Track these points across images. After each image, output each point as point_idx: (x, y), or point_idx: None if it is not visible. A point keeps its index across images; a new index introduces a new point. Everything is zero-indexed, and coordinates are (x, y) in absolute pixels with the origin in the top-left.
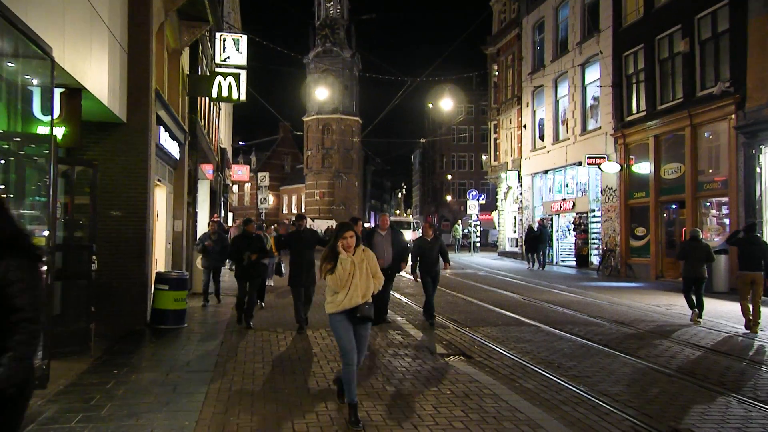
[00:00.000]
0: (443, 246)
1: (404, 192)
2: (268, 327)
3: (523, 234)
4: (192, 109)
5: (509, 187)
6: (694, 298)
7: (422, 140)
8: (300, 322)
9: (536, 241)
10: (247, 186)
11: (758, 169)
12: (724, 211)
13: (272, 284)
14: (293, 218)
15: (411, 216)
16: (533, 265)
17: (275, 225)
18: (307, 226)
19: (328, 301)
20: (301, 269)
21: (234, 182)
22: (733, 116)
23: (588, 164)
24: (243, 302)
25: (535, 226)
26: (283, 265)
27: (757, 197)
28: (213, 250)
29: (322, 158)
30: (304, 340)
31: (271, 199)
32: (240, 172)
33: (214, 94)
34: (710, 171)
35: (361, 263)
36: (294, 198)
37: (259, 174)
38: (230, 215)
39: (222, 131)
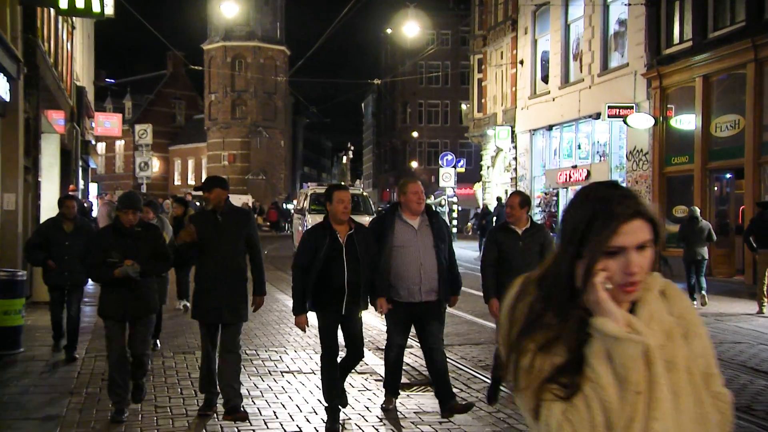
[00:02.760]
0: (549, 241)
1: (351, 155)
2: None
3: (476, 217)
4: (29, 27)
5: (499, 150)
6: (694, 283)
7: (377, 81)
8: (209, 401)
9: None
10: (120, 144)
11: None
12: None
13: (186, 305)
14: (184, 196)
15: (362, 189)
16: None
17: (170, 200)
18: (229, 203)
19: None
20: (215, 286)
21: (99, 138)
22: None
23: (609, 117)
24: (117, 377)
25: (493, 206)
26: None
27: None
28: (67, 254)
29: (232, 106)
30: None
31: (156, 165)
32: (108, 123)
33: (64, 4)
34: None
35: (674, 353)
36: (191, 163)
37: (138, 127)
38: (93, 187)
39: (79, 63)
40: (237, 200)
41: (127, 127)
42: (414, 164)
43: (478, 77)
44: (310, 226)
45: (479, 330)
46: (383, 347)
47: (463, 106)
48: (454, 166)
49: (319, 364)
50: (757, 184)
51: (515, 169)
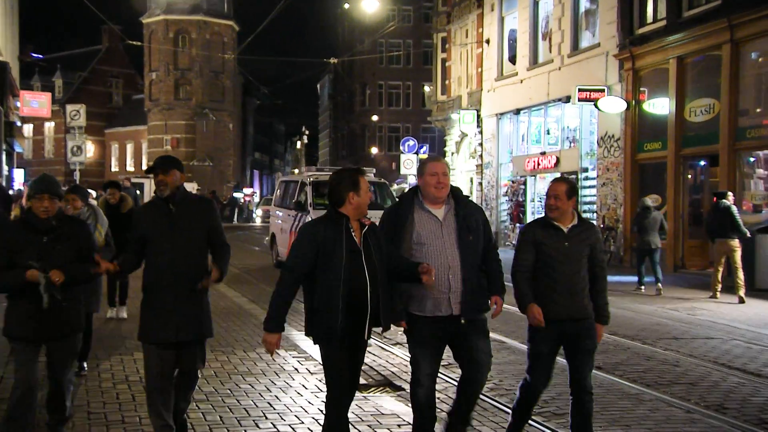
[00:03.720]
0: (599, 243)
1: (306, 140)
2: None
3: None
4: None
5: (464, 135)
6: (644, 270)
7: (333, 61)
8: None
9: None
10: (49, 126)
11: None
12: None
13: (123, 316)
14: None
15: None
16: None
17: (109, 192)
18: (184, 189)
19: None
20: (169, 294)
21: (26, 120)
22: None
23: (580, 100)
24: (19, 420)
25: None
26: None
27: None
28: None
29: (175, 85)
30: None
31: (90, 149)
32: (35, 103)
33: None
34: (757, 111)
35: None
36: (129, 147)
37: (69, 107)
38: (19, 173)
39: (1, 35)
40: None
41: (58, 107)
42: (374, 150)
43: (441, 57)
44: (310, 220)
45: (506, 349)
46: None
47: (426, 88)
48: (417, 153)
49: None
50: (732, 171)
51: (481, 156)
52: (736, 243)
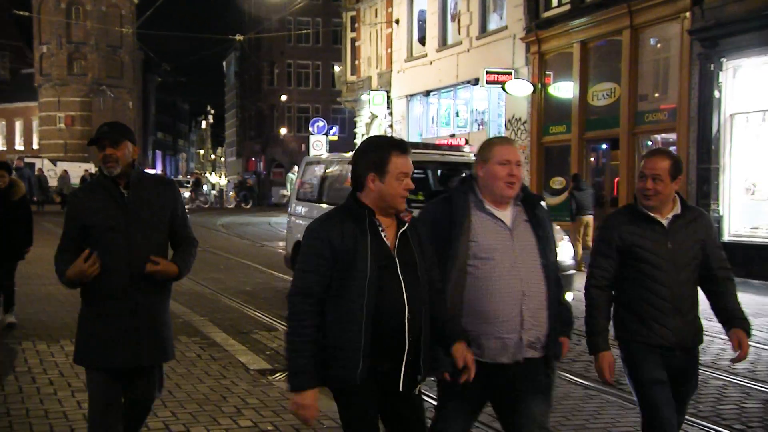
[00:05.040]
0: (713, 237)
1: (212, 120)
2: None
3: None
4: None
5: (374, 116)
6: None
7: (239, 38)
8: None
9: None
10: None
11: (716, 93)
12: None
13: (12, 323)
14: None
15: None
16: None
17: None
18: (140, 171)
19: None
20: (120, 305)
21: None
22: (687, 14)
23: (488, 83)
24: None
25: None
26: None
27: (713, 134)
28: None
29: (68, 60)
30: None
31: None
32: None
33: None
34: (656, 96)
35: None
36: (18, 125)
37: None
38: None
39: None
40: (78, 169)
41: None
42: (283, 131)
43: (351, 37)
44: (323, 216)
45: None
46: None
47: (336, 68)
48: (326, 134)
49: None
50: (632, 155)
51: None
52: (591, 219)
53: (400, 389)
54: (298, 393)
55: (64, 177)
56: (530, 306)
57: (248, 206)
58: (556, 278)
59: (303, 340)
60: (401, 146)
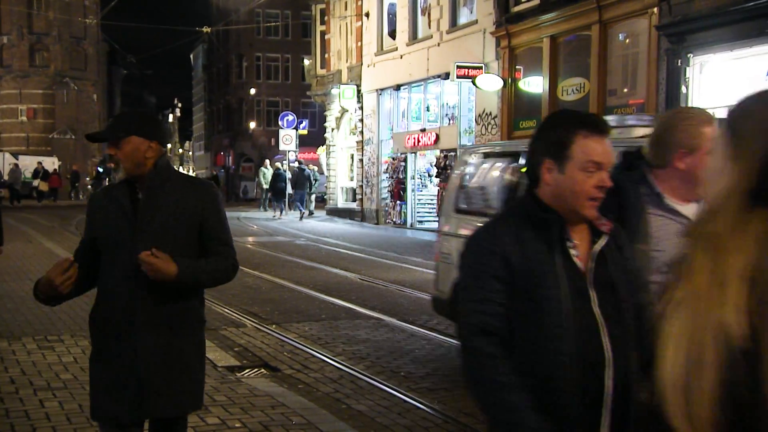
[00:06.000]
0: None
1: (179, 113)
2: None
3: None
4: None
5: (344, 110)
6: None
7: (207, 30)
8: None
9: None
10: None
11: (684, 89)
12: None
13: None
14: None
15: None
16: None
17: None
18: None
19: None
20: (123, 345)
21: None
22: (655, 10)
23: (458, 77)
24: None
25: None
26: None
27: None
28: None
29: (30, 51)
30: None
31: None
32: None
33: None
34: (624, 91)
35: None
36: None
37: None
38: None
39: None
40: (38, 163)
41: None
42: (252, 125)
43: (320, 29)
44: (491, 222)
45: (383, 327)
46: None
47: (306, 62)
48: (296, 128)
49: None
50: None
51: (362, 132)
52: None
53: None
54: None
55: (15, 170)
56: None
57: None
58: None
59: (506, 391)
60: (594, 124)
